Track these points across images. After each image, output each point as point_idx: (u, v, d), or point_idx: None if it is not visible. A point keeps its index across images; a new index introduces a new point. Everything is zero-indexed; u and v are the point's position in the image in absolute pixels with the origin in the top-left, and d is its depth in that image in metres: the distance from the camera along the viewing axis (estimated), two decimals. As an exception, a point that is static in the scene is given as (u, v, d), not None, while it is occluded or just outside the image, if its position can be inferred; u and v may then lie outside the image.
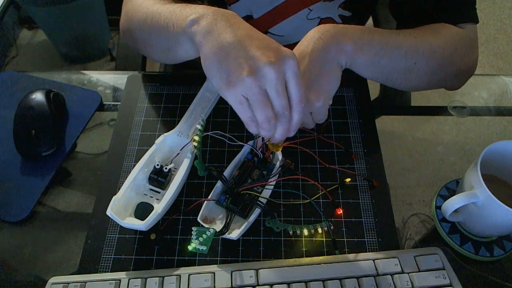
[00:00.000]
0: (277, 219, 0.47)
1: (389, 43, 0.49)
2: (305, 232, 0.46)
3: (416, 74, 0.52)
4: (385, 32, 0.50)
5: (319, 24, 0.67)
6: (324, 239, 0.47)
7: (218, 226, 0.46)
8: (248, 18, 0.68)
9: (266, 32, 0.70)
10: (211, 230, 0.44)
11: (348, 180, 0.51)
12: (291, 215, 0.49)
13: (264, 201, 0.47)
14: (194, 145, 0.49)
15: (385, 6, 0.72)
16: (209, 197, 0.47)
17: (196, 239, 0.43)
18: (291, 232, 0.46)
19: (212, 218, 0.47)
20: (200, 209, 0.49)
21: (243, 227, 0.45)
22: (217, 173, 0.47)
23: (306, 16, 0.67)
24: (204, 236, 0.43)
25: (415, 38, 0.51)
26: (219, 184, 0.48)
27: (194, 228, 0.44)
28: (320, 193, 0.50)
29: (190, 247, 0.43)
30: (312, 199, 0.49)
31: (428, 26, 0.54)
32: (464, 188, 0.45)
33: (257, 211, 0.46)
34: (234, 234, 0.44)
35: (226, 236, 0.44)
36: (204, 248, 0.43)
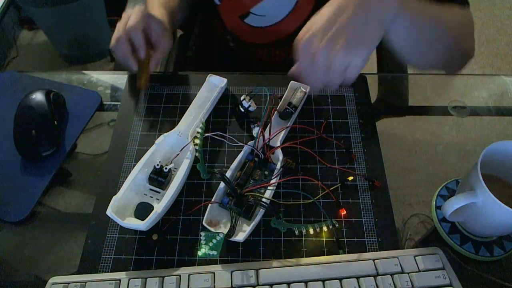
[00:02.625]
0: (282, 220, 0.47)
1: (427, 9, 0.47)
2: (311, 231, 0.46)
3: (435, 48, 0.51)
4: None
5: (297, 2, 0.65)
6: (324, 239, 0.47)
7: (223, 228, 0.46)
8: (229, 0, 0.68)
9: (248, 13, 0.68)
10: (221, 235, 0.44)
11: (350, 178, 0.51)
12: (291, 215, 0.49)
13: (267, 201, 0.47)
14: (196, 149, 0.49)
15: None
16: (212, 200, 0.47)
17: (205, 244, 0.43)
18: (296, 232, 0.46)
19: (216, 221, 0.47)
20: (200, 210, 0.49)
21: (249, 228, 0.45)
22: (221, 176, 0.47)
23: None
24: (214, 241, 0.44)
25: (443, 11, 0.50)
26: (221, 185, 0.48)
27: (202, 233, 0.44)
28: (322, 193, 0.50)
29: (200, 253, 0.43)
30: (315, 199, 0.49)
31: (443, 4, 0.53)
32: (464, 188, 0.45)
33: (261, 212, 0.46)
34: (241, 236, 0.44)
35: (233, 239, 0.44)
36: (215, 253, 0.43)
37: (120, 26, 0.56)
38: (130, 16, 0.56)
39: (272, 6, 0.67)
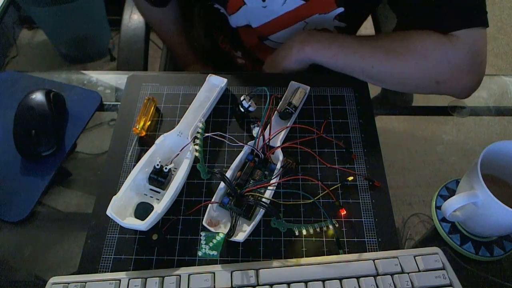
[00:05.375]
0: (282, 220, 0.47)
1: (345, 49, 0.57)
2: (311, 231, 0.46)
3: (378, 77, 0.57)
4: (347, 39, 0.58)
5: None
6: (324, 239, 0.47)
7: (223, 228, 0.46)
8: (248, 27, 0.72)
9: (266, 39, 0.74)
10: (221, 235, 0.44)
11: (350, 178, 0.51)
12: (291, 215, 0.49)
13: (267, 201, 0.47)
14: (196, 149, 0.49)
15: (384, 3, 0.72)
16: (212, 200, 0.47)
17: (205, 244, 0.43)
18: (296, 232, 0.46)
19: (216, 221, 0.47)
20: (200, 210, 0.49)
21: (249, 229, 0.45)
22: (221, 176, 0.47)
23: (302, 28, 0.70)
24: (214, 241, 0.43)
25: (372, 45, 0.56)
26: (222, 186, 0.48)
27: (202, 233, 0.44)
28: (322, 193, 0.50)
29: (200, 253, 0.43)
30: (315, 199, 0.49)
31: (402, 33, 0.56)
32: (464, 188, 0.45)
33: (261, 212, 0.46)
34: (241, 236, 0.44)
35: (233, 239, 0.44)
36: (215, 253, 0.43)
37: None
38: None
39: (288, 34, 0.71)
